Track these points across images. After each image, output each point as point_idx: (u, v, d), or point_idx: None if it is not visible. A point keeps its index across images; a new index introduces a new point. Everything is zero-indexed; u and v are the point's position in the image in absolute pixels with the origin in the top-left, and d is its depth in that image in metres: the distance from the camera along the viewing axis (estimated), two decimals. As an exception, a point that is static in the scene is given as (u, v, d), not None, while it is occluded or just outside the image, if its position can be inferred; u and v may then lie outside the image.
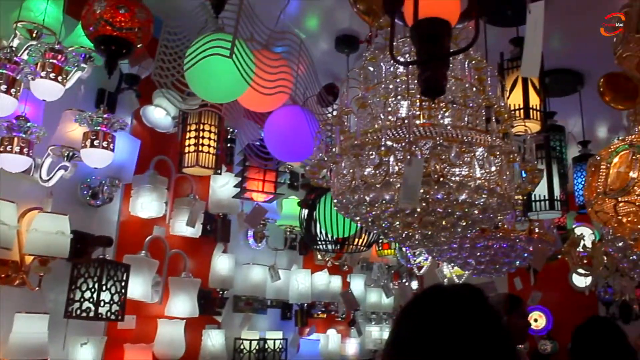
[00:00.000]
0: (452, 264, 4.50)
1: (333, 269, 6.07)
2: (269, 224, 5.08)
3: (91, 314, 3.26)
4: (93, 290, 3.28)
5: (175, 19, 2.85)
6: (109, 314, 3.33)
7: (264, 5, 3.25)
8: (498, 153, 2.14)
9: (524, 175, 2.52)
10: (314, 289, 5.65)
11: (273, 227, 5.23)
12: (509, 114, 2.41)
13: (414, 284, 8.35)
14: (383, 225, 2.40)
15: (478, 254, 3.43)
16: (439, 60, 1.67)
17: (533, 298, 6.52)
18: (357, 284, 6.62)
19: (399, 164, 2.13)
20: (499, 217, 2.49)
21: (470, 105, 2.34)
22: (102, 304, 3.29)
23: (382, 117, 2.25)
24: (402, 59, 2.35)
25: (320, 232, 4.05)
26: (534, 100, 3.00)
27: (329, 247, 4.13)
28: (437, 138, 2.09)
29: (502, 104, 2.40)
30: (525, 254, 3.47)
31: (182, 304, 4.06)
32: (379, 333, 6.88)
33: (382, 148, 2.09)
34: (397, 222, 2.34)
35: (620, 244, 2.26)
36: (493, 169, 2.21)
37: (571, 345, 3.78)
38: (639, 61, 2.13)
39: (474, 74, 2.45)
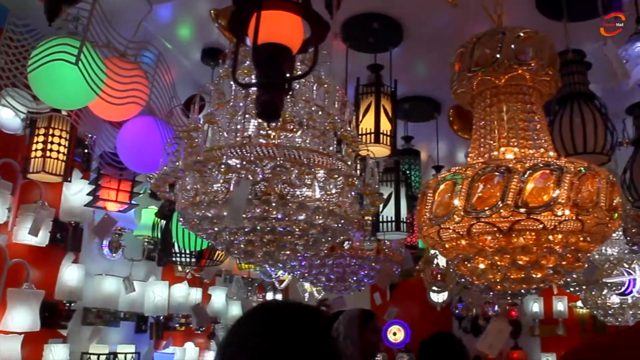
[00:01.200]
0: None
1: (194, 280, 5.99)
2: (126, 233, 4.93)
3: None
4: None
5: (26, 12, 2.72)
6: None
7: (132, 13, 3.19)
8: (337, 176, 2.20)
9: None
10: (173, 301, 5.54)
11: (130, 237, 5.08)
12: (354, 138, 2.50)
13: (278, 297, 8.44)
14: (225, 241, 2.40)
15: (327, 271, 3.52)
16: (276, 85, 1.71)
17: (389, 313, 6.76)
18: (218, 297, 6.57)
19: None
20: (341, 238, 2.59)
21: (319, 127, 2.40)
22: None
23: (226, 135, 2.26)
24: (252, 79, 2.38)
25: (176, 244, 3.99)
26: (385, 125, 3.14)
27: (185, 259, 4.08)
28: (278, 158, 2.13)
29: (349, 128, 2.49)
30: (373, 273, 3.61)
31: (21, 317, 3.83)
32: (238, 346, 6.86)
33: (223, 166, 2.11)
34: (239, 239, 2.36)
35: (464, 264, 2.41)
36: (334, 191, 2.28)
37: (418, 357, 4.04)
38: (471, 97, 2.28)
39: (325, 97, 2.54)
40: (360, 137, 3.12)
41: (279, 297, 8.39)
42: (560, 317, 8.34)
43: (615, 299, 5.39)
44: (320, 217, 2.26)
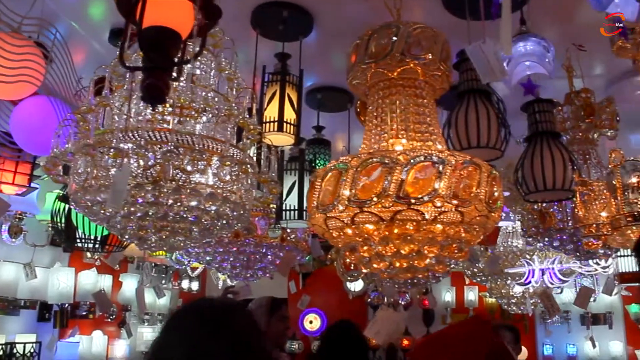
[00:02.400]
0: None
1: (104, 268, 5.83)
2: (28, 218, 4.74)
3: None
4: None
5: None
6: None
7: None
8: (229, 163, 2.18)
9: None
10: (80, 288, 5.39)
11: (33, 222, 4.89)
12: (254, 126, 2.49)
13: (195, 285, 8.36)
14: (118, 226, 2.35)
15: (232, 258, 3.50)
16: (161, 69, 1.68)
17: (302, 302, 6.81)
18: (129, 284, 6.44)
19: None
20: (238, 225, 2.57)
21: (217, 114, 2.38)
22: None
23: (116, 118, 2.21)
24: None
25: (79, 229, 3.88)
26: (289, 114, 3.13)
27: (88, 245, 3.96)
28: (170, 144, 2.09)
29: (247, 116, 2.48)
30: (278, 260, 3.61)
31: None
32: (152, 334, 6.75)
33: (112, 150, 2.06)
34: (131, 224, 2.31)
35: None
36: (228, 178, 2.26)
37: (318, 346, 4.09)
38: (366, 88, 2.31)
39: (227, 84, 2.52)
40: (263, 125, 3.11)
41: (195, 285, 8.32)
42: (471, 306, 8.61)
43: (518, 289, 5.62)
44: (214, 204, 2.25)
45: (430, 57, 2.16)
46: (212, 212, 2.26)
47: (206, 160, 2.18)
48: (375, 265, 2.02)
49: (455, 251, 1.98)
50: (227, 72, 2.54)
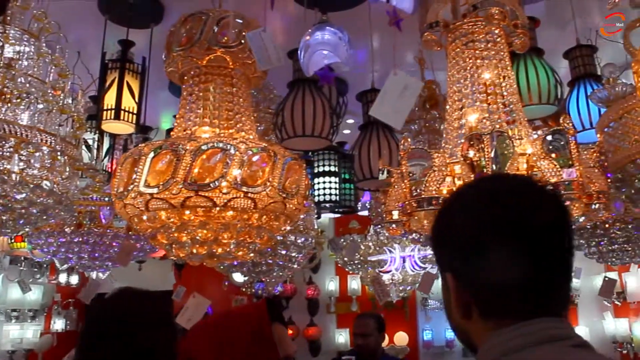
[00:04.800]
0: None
1: (-36, 262, 5.57)
2: None
3: None
4: None
5: None
6: None
7: None
8: (33, 150, 2.13)
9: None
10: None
11: None
12: (77, 114, 2.44)
13: (74, 279, 8.07)
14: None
15: (77, 248, 3.42)
16: None
17: (177, 293, 6.73)
18: (-7, 280, 6.18)
19: None
20: (62, 215, 2.51)
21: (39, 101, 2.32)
22: None
23: None
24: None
25: None
26: (128, 102, 3.09)
27: None
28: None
29: (69, 102, 2.42)
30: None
31: None
32: (19, 332, 6.48)
33: None
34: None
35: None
36: (38, 165, 2.21)
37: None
38: (181, 75, 2.31)
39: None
40: (102, 112, 3.05)
41: (74, 279, 8.04)
42: (354, 295, 8.77)
43: (386, 277, 5.78)
44: (23, 192, 2.19)
45: (240, 45, 2.19)
46: (22, 200, 2.20)
47: (14, 147, 2.12)
48: (177, 253, 2.03)
49: (256, 237, 2.02)
50: (48, 57, 2.47)
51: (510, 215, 0.98)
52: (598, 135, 2.49)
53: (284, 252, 3.41)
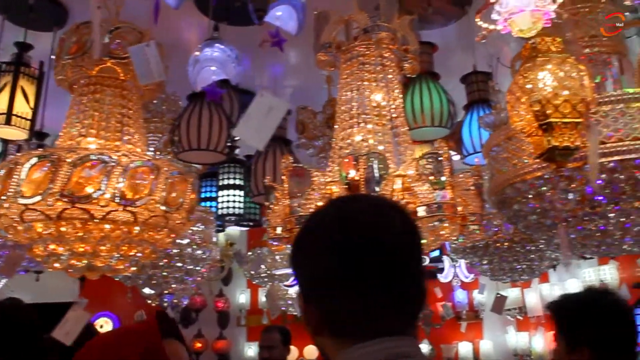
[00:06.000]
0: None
1: None
2: None
3: None
4: None
5: None
6: None
7: None
8: None
9: None
10: None
11: None
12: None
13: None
14: None
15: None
16: None
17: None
18: None
19: None
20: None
21: None
22: None
23: None
24: None
25: None
26: (22, 107, 2.99)
27: None
28: None
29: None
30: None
31: None
32: None
33: None
34: None
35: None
36: None
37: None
38: (71, 83, 2.27)
39: None
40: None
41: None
42: (265, 308, 8.74)
43: (292, 290, 5.81)
44: None
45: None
46: None
47: None
48: (54, 265, 1.99)
49: (137, 250, 2.01)
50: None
51: (354, 241, 1.01)
52: (485, 160, 2.63)
53: (179, 264, 3.38)
